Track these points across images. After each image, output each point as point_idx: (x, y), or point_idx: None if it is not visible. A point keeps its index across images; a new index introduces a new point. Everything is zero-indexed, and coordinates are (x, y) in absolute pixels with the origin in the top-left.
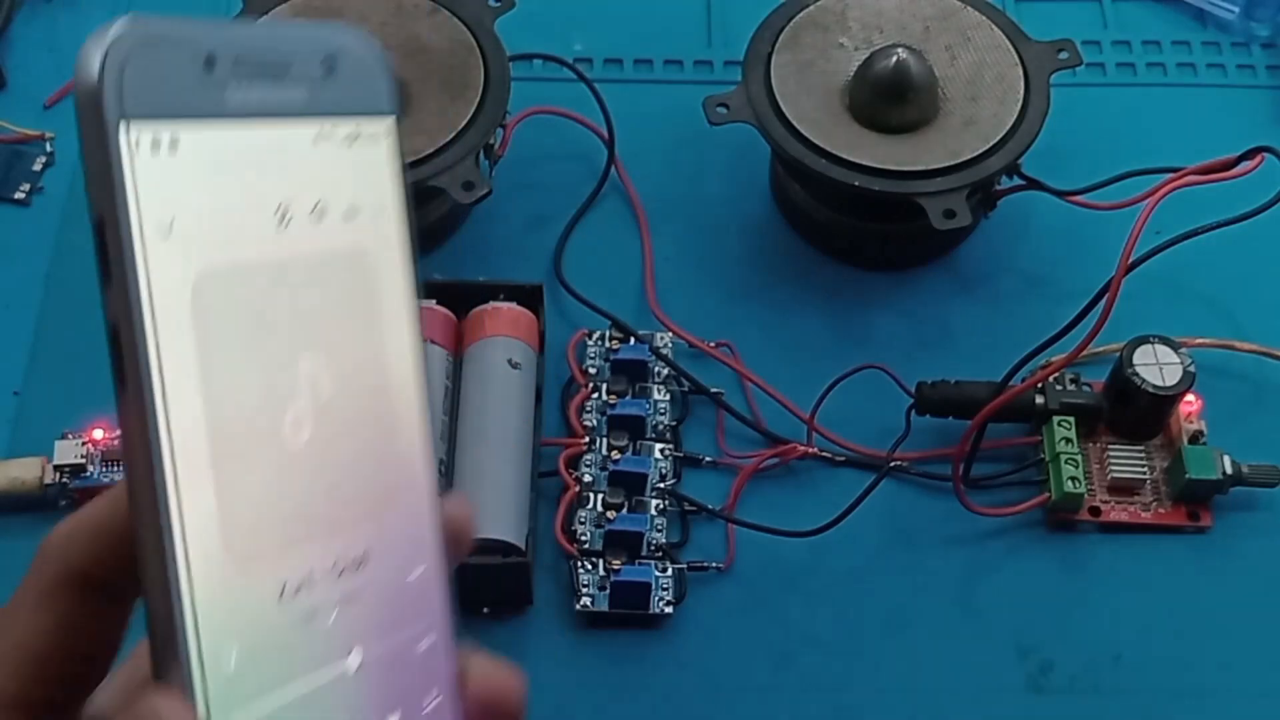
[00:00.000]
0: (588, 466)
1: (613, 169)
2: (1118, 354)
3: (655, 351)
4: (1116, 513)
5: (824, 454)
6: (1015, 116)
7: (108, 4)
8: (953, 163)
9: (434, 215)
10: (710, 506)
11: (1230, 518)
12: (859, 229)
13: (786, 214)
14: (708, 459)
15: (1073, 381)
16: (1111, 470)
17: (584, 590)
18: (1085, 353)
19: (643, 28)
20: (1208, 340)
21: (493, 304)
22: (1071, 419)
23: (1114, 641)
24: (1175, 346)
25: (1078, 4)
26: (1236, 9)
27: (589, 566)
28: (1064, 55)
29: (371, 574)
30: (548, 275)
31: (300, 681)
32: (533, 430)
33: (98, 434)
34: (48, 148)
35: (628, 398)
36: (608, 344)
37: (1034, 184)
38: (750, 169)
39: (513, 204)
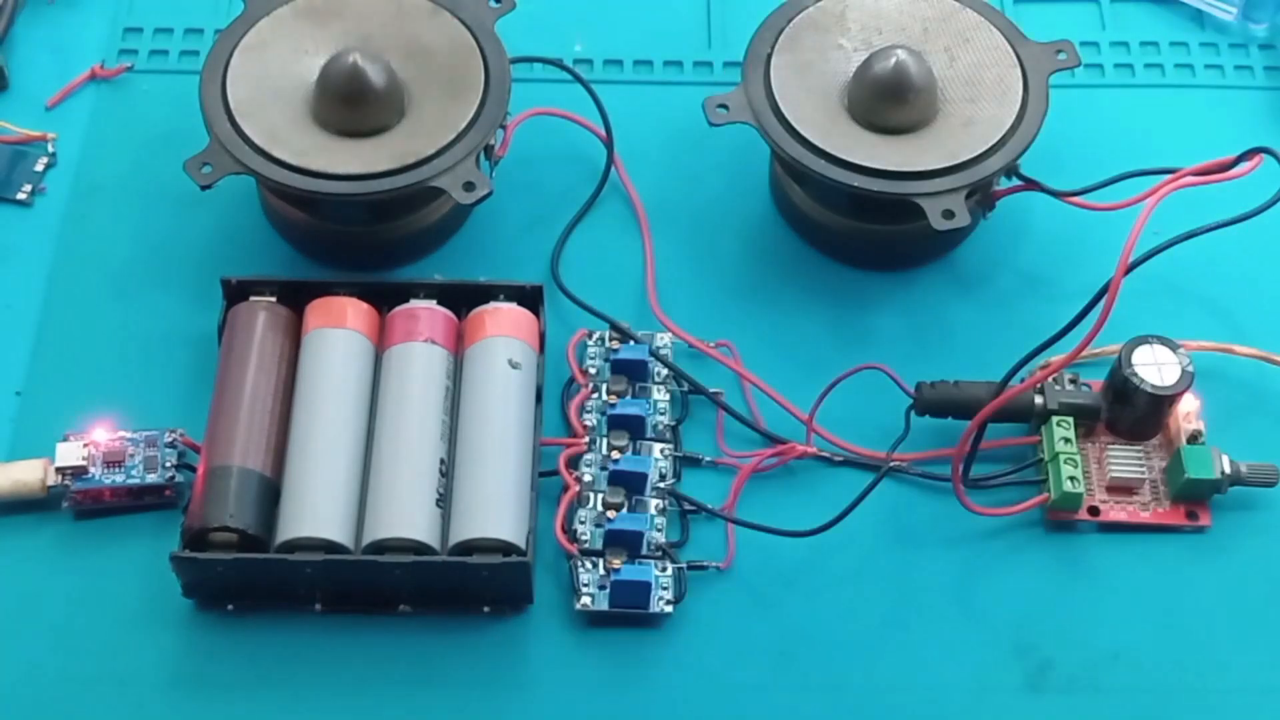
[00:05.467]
0: (588, 466)
1: (613, 170)
2: (1117, 354)
3: (654, 353)
4: (1115, 512)
5: (823, 454)
6: (1014, 117)
7: (109, 5)
8: (951, 163)
9: (435, 216)
10: (710, 506)
11: (1229, 517)
12: (858, 229)
13: (786, 214)
14: (707, 459)
15: (1072, 382)
16: (1110, 470)
17: (584, 589)
18: (1084, 353)
19: (642, 29)
20: (1207, 344)
21: (493, 304)
22: (1070, 419)
23: (1113, 641)
24: (1174, 347)
25: (1076, 5)
26: (1234, 10)
27: (589, 566)
28: (1062, 56)
29: None
30: (548, 276)
31: None
32: (533, 430)
33: (99, 435)
34: (50, 148)
35: (628, 398)
36: (608, 344)
37: (1033, 185)
38: (750, 169)
39: (513, 205)
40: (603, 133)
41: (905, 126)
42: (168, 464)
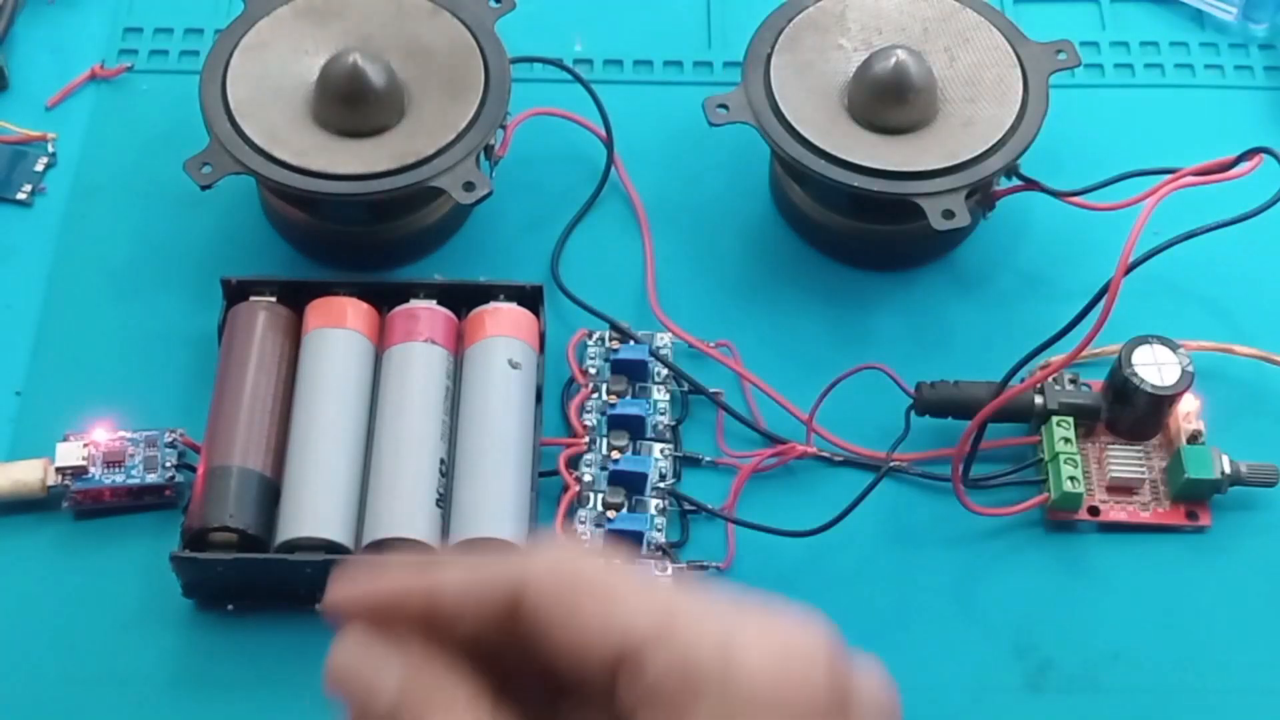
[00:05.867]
0: (588, 466)
1: (613, 170)
2: (1116, 354)
3: (655, 353)
4: (1115, 512)
5: (823, 454)
6: (1014, 117)
7: (109, 5)
8: (951, 163)
9: (435, 216)
10: (710, 506)
11: (1229, 517)
12: (858, 229)
13: (786, 214)
14: (707, 459)
15: (1072, 382)
16: (1110, 470)
17: None
18: (1084, 353)
19: (643, 29)
20: (1207, 344)
21: (493, 304)
22: (1070, 419)
23: (1112, 641)
24: (1174, 347)
25: (1076, 5)
26: (1234, 10)
27: None
28: (1062, 56)
29: None
30: (548, 276)
31: None
32: (533, 430)
33: (99, 435)
34: (50, 148)
35: (628, 398)
36: (608, 344)
37: (1033, 185)
38: (750, 169)
39: (513, 205)
40: (603, 133)
41: (905, 126)
42: (168, 464)
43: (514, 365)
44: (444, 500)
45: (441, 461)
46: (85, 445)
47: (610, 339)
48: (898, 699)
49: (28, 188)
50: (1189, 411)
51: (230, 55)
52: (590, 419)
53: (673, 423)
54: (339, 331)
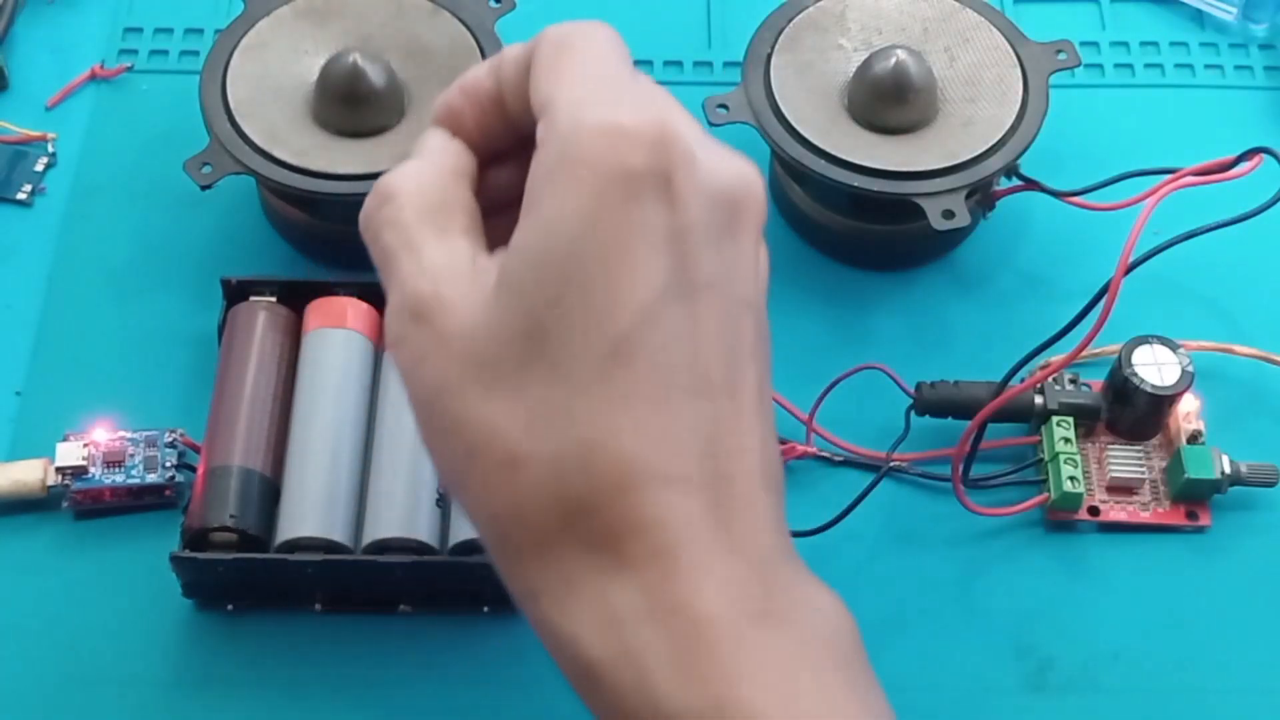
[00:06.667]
0: None
1: None
2: (1117, 354)
3: None
4: (1115, 512)
5: (823, 454)
6: (1014, 117)
7: (109, 5)
8: (951, 163)
9: None
10: None
11: (1229, 517)
12: (858, 229)
13: (786, 214)
14: None
15: (1072, 382)
16: (1110, 470)
17: None
18: (1084, 353)
19: (643, 28)
20: (1207, 344)
21: None
22: (1070, 419)
23: (1113, 640)
24: (1174, 347)
25: (1076, 5)
26: (1234, 10)
27: None
28: (1062, 56)
29: None
30: None
31: None
32: None
33: (99, 435)
34: (50, 148)
35: None
36: None
37: (1033, 185)
38: None
39: None
40: None
41: (905, 126)
42: (168, 464)
43: None
44: (444, 500)
45: None
46: (85, 445)
47: None
48: (753, 184)
49: (28, 188)
50: (1189, 411)
51: (230, 55)
52: None
53: None
54: (339, 331)
